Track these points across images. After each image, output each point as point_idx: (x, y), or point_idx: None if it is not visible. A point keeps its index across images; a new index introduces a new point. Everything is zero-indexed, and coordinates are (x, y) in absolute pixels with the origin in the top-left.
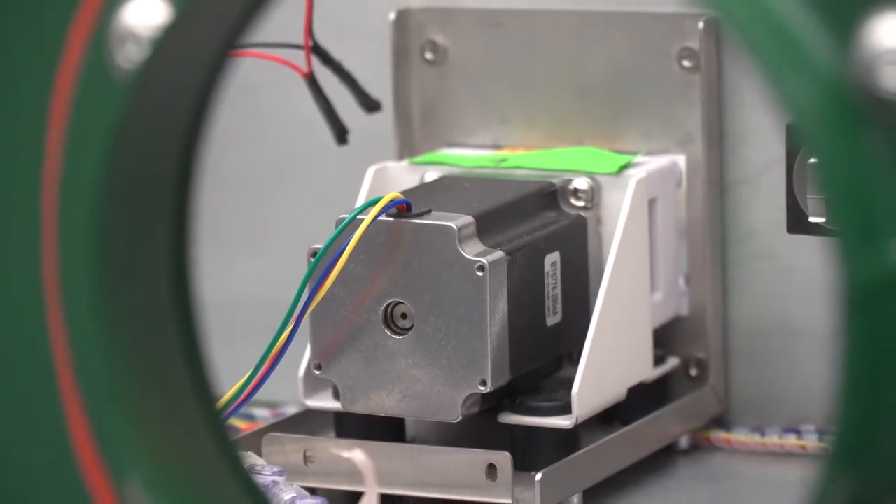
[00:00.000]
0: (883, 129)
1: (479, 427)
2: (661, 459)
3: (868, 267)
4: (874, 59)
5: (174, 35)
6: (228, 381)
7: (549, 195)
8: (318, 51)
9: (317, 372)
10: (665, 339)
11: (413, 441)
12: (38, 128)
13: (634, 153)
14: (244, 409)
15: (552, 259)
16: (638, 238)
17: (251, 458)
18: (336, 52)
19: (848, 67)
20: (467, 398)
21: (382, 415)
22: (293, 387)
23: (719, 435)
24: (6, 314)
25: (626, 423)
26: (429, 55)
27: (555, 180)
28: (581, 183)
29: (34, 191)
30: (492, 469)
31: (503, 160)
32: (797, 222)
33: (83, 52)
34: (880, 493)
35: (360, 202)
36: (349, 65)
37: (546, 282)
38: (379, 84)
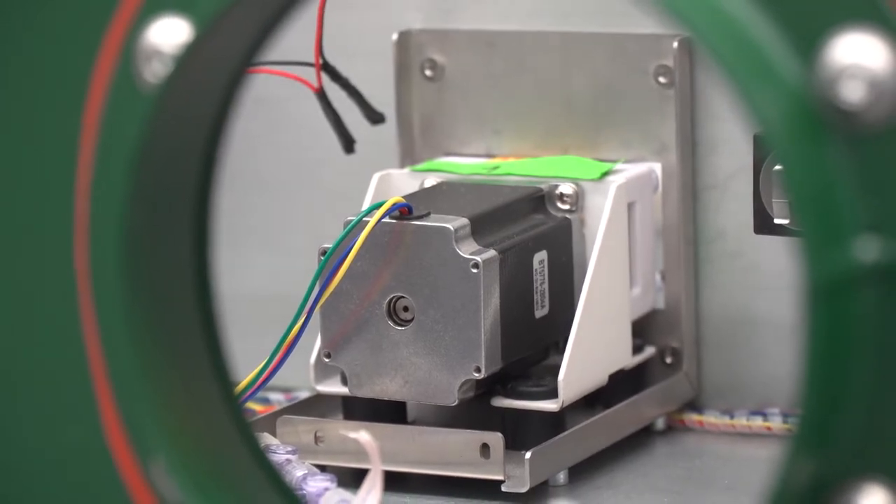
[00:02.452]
0: (843, 137)
1: (474, 410)
2: (640, 439)
3: (830, 264)
4: (836, 74)
5: (196, 52)
6: (246, 369)
7: (538, 199)
8: (327, 68)
9: (326, 360)
10: (643, 329)
11: (414, 423)
12: (71, 137)
13: (615, 161)
14: (260, 394)
15: (540, 257)
16: (618, 238)
17: (267, 439)
18: (344, 70)
19: (812, 82)
20: (463, 384)
21: (386, 399)
22: (305, 373)
23: (692, 417)
24: (43, 309)
25: (607, 406)
26: (428, 72)
27: (542, 186)
28: (566, 188)
29: (69, 193)
30: (485, 448)
31: (495, 168)
32: (763, 224)
33: (112, 68)
34: (839, 471)
35: (365, 206)
36: (355, 81)
37: (535, 278)
38: (382, 98)
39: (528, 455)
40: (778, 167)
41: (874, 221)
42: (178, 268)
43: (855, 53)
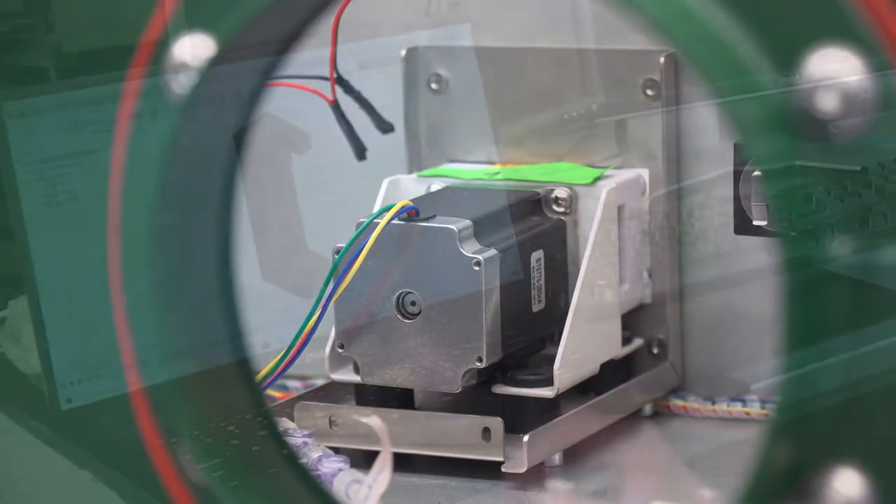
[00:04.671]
0: (819, 145)
1: (476, 396)
2: (629, 424)
3: (805, 263)
4: (812, 86)
5: (219, 66)
6: (266, 358)
7: (535, 203)
8: (341, 81)
9: (340, 350)
10: (631, 322)
11: (420, 408)
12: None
13: (606, 167)
14: (279, 381)
15: (537, 256)
16: (609, 238)
17: (285, 423)
18: (356, 83)
19: (790, 93)
20: (466, 372)
21: (395, 386)
22: (320, 362)
23: (677, 403)
24: (78, 307)
25: (598, 393)
26: (434, 85)
27: (539, 190)
28: (561, 192)
29: (102, 196)
30: (486, 432)
31: (496, 173)
32: (743, 225)
33: (142, 80)
34: (815, 455)
35: (376, 208)
36: (367, 93)
37: (532, 275)
38: (392, 110)
39: (525, 438)
40: (757, 173)
41: (846, 223)
42: (204, 264)
43: (830, 67)
